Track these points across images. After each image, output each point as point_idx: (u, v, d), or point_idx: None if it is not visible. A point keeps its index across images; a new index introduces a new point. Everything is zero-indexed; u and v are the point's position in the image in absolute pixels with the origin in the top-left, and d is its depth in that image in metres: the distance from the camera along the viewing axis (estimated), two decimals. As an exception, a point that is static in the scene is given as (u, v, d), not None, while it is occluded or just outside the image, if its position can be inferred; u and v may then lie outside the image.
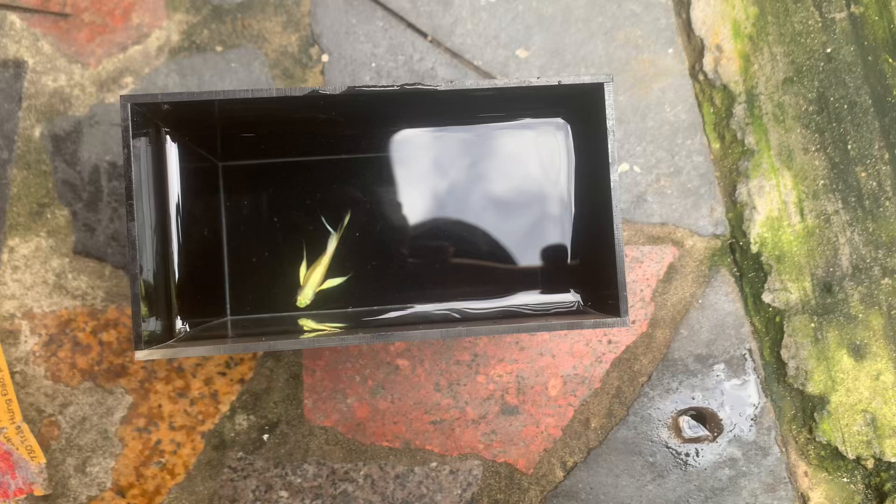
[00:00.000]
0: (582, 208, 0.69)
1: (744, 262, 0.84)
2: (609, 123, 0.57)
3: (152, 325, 0.58)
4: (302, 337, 0.58)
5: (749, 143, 0.85)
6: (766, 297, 0.84)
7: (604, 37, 0.87)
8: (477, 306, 0.68)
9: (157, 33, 0.85)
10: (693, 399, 0.85)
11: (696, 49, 0.87)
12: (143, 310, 0.56)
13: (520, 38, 0.86)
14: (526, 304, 0.68)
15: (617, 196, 0.56)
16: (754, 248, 0.84)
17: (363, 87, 0.55)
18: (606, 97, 0.57)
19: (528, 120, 0.73)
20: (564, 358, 0.85)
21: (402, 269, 0.79)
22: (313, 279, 0.75)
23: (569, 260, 0.75)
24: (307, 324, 0.72)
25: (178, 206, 0.65)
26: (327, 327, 0.65)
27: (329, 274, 0.77)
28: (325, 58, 0.85)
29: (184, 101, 0.56)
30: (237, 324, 0.75)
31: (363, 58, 0.85)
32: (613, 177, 0.56)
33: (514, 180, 0.77)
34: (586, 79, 0.57)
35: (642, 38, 0.86)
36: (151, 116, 0.60)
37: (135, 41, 0.84)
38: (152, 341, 0.58)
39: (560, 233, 0.76)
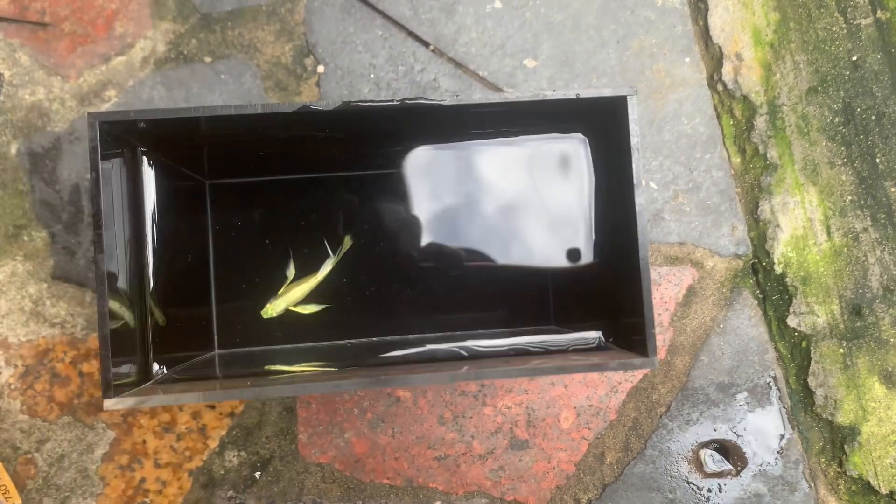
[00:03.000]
0: (602, 232, 0.62)
1: (767, 283, 0.77)
2: (633, 140, 0.50)
3: (125, 368, 0.51)
4: (292, 383, 0.50)
5: (772, 156, 0.77)
6: (792, 322, 0.77)
7: (616, 45, 0.80)
8: (485, 341, 0.60)
9: (142, 43, 0.77)
10: (715, 431, 0.78)
11: (714, 58, 0.79)
12: (116, 351, 0.49)
13: (527, 47, 0.79)
14: (543, 341, 0.61)
15: (643, 221, 0.49)
16: (778, 269, 0.76)
17: (360, 102, 0.48)
18: (630, 112, 0.50)
19: (540, 136, 0.66)
20: (577, 388, 0.77)
21: (404, 294, 0.71)
22: (292, 294, 0.68)
23: (586, 289, 0.67)
24: (300, 360, 0.65)
25: (157, 231, 0.57)
26: (321, 367, 0.58)
27: (314, 299, 0.69)
28: (320, 69, 0.77)
29: (161, 119, 0.49)
30: (226, 359, 0.67)
31: (361, 69, 0.78)
32: (638, 200, 0.49)
33: (526, 202, 0.70)
34: (607, 92, 0.50)
35: (657, 47, 0.78)
36: (125, 135, 0.52)
37: (118, 52, 0.77)
38: (124, 386, 0.50)
39: (576, 259, 0.69)
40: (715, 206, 0.79)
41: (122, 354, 0.50)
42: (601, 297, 0.63)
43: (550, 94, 0.49)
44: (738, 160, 0.80)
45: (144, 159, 0.55)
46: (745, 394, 0.78)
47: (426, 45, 0.79)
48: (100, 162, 0.46)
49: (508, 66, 0.79)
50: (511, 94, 0.49)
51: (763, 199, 0.79)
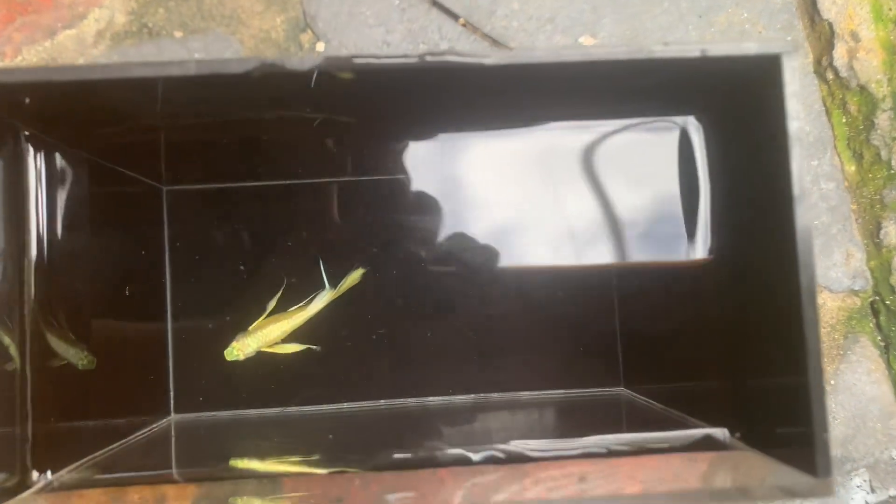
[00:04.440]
0: (722, 263, 0.41)
1: (891, 328, 0.58)
2: (791, 126, 0.30)
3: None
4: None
5: (897, 164, 0.58)
6: (928, 379, 0.57)
7: (697, 20, 0.60)
8: (538, 443, 0.39)
9: (97, 13, 0.60)
10: (827, 522, 0.58)
11: (822, 38, 0.60)
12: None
13: (584, 21, 0.60)
14: (620, 440, 0.40)
15: (807, 249, 0.29)
16: (908, 310, 0.57)
17: (359, 57, 0.28)
18: (786, 80, 0.30)
19: (627, 121, 0.47)
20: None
21: (424, 340, 0.52)
22: (266, 332, 0.49)
23: (678, 340, 0.47)
24: (279, 439, 0.45)
25: (50, 253, 0.38)
26: (305, 465, 0.38)
27: (296, 338, 0.50)
28: (320, 47, 0.59)
29: (62, 84, 0.30)
30: (186, 429, 0.48)
31: (372, 47, 0.59)
32: (801, 217, 0.29)
33: (597, 219, 0.51)
34: (750, 48, 0.30)
35: (750, 23, 0.59)
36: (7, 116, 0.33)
37: (67, 24, 0.60)
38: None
39: (664, 298, 0.49)
40: (824, 227, 0.59)
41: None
42: (708, 355, 0.43)
43: (660, 50, 0.30)
44: (854, 168, 0.60)
45: (32, 149, 0.36)
46: (864, 472, 0.58)
47: (455, 17, 0.60)
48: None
49: (560, 44, 0.60)
50: (595, 50, 0.30)
51: (887, 219, 0.59)
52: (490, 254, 0.53)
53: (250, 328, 0.49)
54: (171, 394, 0.50)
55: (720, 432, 0.36)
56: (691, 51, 0.30)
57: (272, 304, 0.50)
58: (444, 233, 0.53)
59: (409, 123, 0.50)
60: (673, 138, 0.45)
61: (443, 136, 0.52)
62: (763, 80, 0.31)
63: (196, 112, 0.39)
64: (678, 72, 0.33)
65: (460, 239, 0.53)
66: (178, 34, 0.59)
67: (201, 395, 0.51)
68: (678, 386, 0.47)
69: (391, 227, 0.53)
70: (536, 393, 0.52)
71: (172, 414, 0.50)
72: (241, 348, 0.48)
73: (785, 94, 0.30)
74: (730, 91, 0.35)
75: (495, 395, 0.52)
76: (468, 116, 0.48)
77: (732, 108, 0.35)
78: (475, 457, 0.34)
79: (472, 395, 0.52)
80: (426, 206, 0.53)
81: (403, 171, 0.52)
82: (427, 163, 0.52)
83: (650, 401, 0.48)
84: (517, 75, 0.33)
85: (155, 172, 0.51)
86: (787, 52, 0.30)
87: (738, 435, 0.36)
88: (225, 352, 0.49)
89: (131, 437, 0.45)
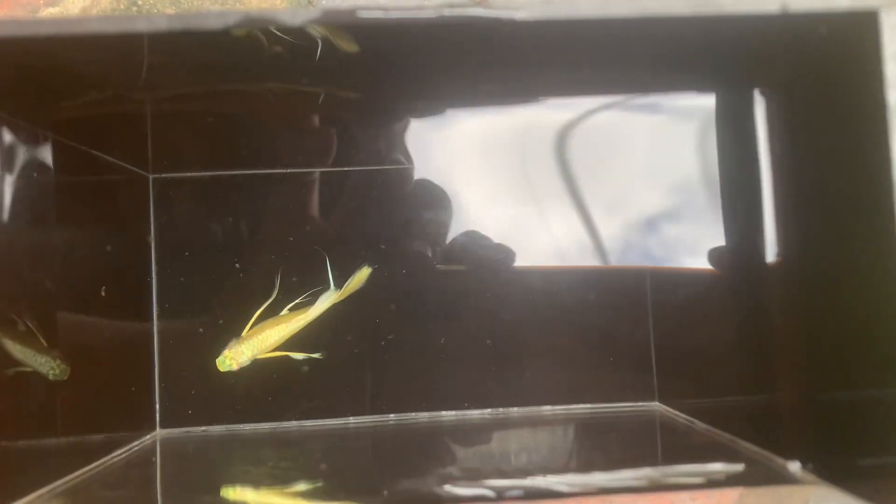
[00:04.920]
0: (787, 268, 0.35)
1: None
2: (891, 97, 0.24)
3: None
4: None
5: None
6: None
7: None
8: (561, 477, 0.34)
9: (83, -11, 0.54)
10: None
11: None
12: None
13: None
14: (662, 473, 0.34)
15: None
16: None
17: (364, 10, 0.23)
18: (884, 41, 0.24)
19: (675, 96, 0.41)
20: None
21: (436, 346, 0.46)
22: (263, 338, 0.43)
23: (728, 346, 0.41)
24: (277, 464, 0.40)
25: (10, 248, 0.33)
26: (303, 500, 0.32)
27: (295, 344, 0.45)
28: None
29: (6, 41, 0.25)
30: (173, 447, 0.43)
31: None
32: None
33: (631, 212, 0.45)
34: (841, 3, 0.25)
35: None
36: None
37: (50, 1, 0.54)
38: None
39: (711, 308, 0.43)
40: None
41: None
42: (763, 365, 0.37)
43: (730, 5, 0.24)
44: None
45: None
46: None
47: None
48: None
49: None
50: (651, 3, 0.24)
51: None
52: (511, 251, 0.47)
53: (244, 333, 0.44)
54: (157, 406, 0.45)
55: (787, 461, 0.30)
56: (769, 6, 0.25)
57: (267, 305, 0.44)
58: (460, 227, 0.47)
59: (418, 100, 0.44)
60: (730, 116, 0.39)
61: (458, 117, 0.47)
62: (854, 42, 0.25)
63: (180, 84, 0.34)
64: (746, 33, 0.28)
65: (478, 235, 0.47)
66: (170, 11, 0.54)
67: (190, 408, 0.45)
68: (724, 401, 0.41)
69: (401, 221, 0.47)
70: (561, 407, 0.47)
71: (158, 429, 0.45)
72: (234, 357, 0.43)
73: (883, 58, 0.24)
74: (810, 56, 0.29)
75: (515, 410, 0.47)
76: (488, 91, 0.43)
77: (812, 77, 0.30)
78: (492, 493, 0.28)
79: (490, 410, 0.47)
80: (439, 198, 0.47)
81: (414, 158, 0.47)
82: (440, 149, 0.47)
83: (690, 418, 0.42)
84: (552, 35, 0.27)
85: (140, 157, 0.45)
86: (886, 6, 0.24)
87: (809, 466, 0.30)
88: (217, 361, 0.43)
89: (109, 457, 0.40)
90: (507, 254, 0.47)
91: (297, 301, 0.44)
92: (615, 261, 0.47)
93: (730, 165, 0.41)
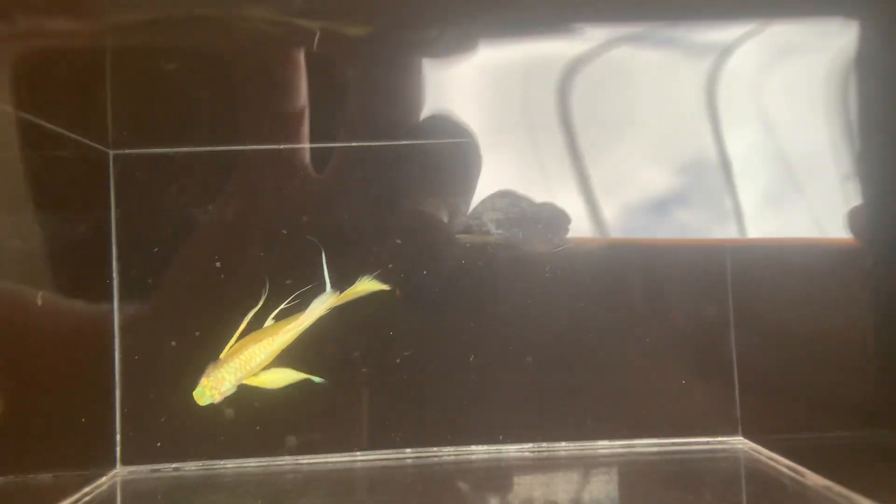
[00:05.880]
0: None
1: None
2: None
3: None
4: None
5: None
6: None
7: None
8: None
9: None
10: None
11: None
12: None
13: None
14: None
15: None
16: None
17: None
18: None
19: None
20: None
21: (465, 364, 0.37)
22: (247, 357, 0.34)
23: (854, 382, 0.32)
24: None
25: None
26: None
27: (289, 361, 0.35)
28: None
29: None
30: (137, 491, 0.34)
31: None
32: None
33: (708, 178, 0.35)
34: None
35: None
36: None
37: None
38: None
39: (816, 309, 0.34)
40: None
41: None
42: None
43: None
44: None
45: None
46: None
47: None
48: None
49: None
50: None
51: None
52: (557, 243, 0.38)
53: (223, 355, 0.34)
54: (118, 438, 0.36)
55: None
56: None
57: (248, 318, 0.35)
58: (494, 215, 0.38)
59: (449, 26, 0.35)
60: (831, 51, 0.29)
61: (492, 61, 0.37)
62: None
63: (141, 29, 0.24)
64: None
65: (516, 222, 0.38)
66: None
67: (159, 440, 0.36)
68: (845, 438, 0.32)
69: (421, 210, 0.38)
70: (618, 443, 0.37)
71: (119, 466, 0.36)
72: (214, 385, 0.34)
73: None
74: None
75: (562, 446, 0.37)
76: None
77: None
78: None
79: (531, 445, 0.37)
80: (468, 179, 0.38)
81: (437, 129, 0.37)
82: (470, 111, 0.37)
83: (793, 464, 0.33)
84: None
85: (97, 128, 0.36)
86: None
87: None
88: (194, 394, 0.34)
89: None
90: (556, 245, 0.37)
91: (282, 307, 0.35)
92: (688, 253, 0.37)
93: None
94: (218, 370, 0.34)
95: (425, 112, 0.37)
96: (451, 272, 0.37)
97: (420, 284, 0.37)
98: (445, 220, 0.38)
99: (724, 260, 0.37)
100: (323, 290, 0.35)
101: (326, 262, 0.35)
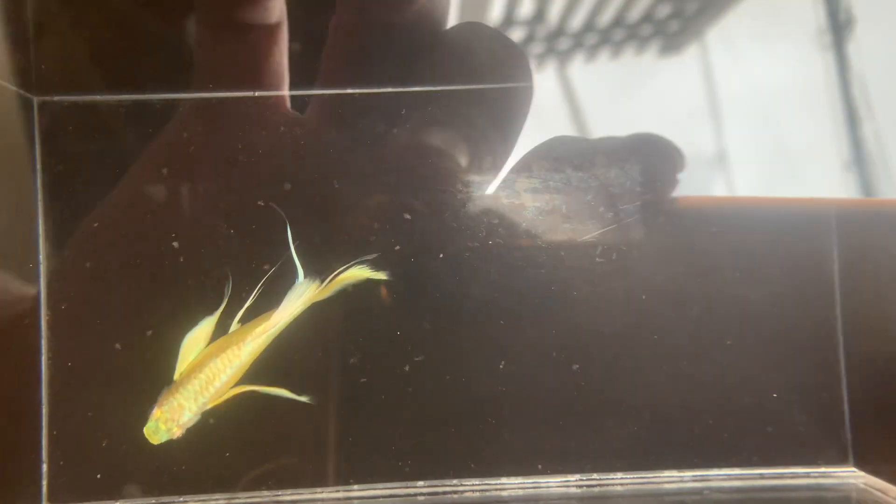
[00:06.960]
0: None
1: None
2: None
3: None
4: None
5: None
6: None
7: None
8: None
9: None
10: None
11: None
12: None
13: None
14: None
15: None
16: None
17: None
18: None
19: None
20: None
21: (486, 377, 0.29)
22: (207, 377, 0.25)
23: None
24: None
25: None
26: None
27: (266, 375, 0.27)
28: None
29: None
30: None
31: None
32: None
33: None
34: None
35: None
36: None
37: None
38: None
39: None
40: None
41: None
42: None
43: None
44: None
45: None
46: None
47: None
48: None
49: None
50: None
51: None
52: (604, 222, 0.29)
53: (178, 375, 0.26)
54: (44, 469, 0.28)
55: None
56: None
57: (213, 319, 0.26)
58: (529, 184, 0.29)
59: None
60: None
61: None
62: None
63: None
64: None
65: (553, 194, 0.29)
66: None
67: (99, 471, 0.28)
68: None
69: (434, 180, 0.29)
70: (689, 475, 0.29)
71: (43, 505, 0.28)
72: (171, 417, 0.25)
73: None
74: None
75: (617, 478, 0.29)
76: None
77: None
78: None
79: (577, 477, 0.29)
80: (494, 140, 0.29)
81: (459, 75, 0.29)
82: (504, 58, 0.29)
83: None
84: None
85: (18, 70, 0.27)
86: None
87: None
88: (145, 431, 0.26)
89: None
90: (603, 224, 0.29)
91: (247, 305, 0.27)
92: (786, 244, 0.29)
93: None
94: (173, 397, 0.25)
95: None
96: (475, 253, 0.29)
97: (434, 269, 0.29)
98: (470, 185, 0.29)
99: (829, 227, 0.28)
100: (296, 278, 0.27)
101: (293, 239, 0.27)
